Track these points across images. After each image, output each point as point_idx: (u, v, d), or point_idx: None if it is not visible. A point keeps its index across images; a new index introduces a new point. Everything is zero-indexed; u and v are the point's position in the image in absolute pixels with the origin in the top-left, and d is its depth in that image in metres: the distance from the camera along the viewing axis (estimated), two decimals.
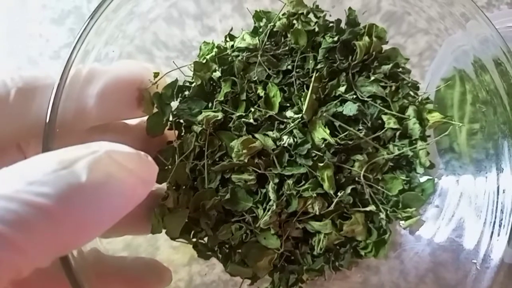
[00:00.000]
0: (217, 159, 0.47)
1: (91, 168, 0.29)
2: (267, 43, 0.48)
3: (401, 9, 0.51)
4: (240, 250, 0.47)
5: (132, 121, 0.48)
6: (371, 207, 0.47)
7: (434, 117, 0.48)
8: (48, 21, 0.70)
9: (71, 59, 0.38)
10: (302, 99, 0.47)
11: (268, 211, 0.45)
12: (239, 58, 0.47)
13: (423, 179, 0.50)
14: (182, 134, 0.48)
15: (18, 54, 0.69)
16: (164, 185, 0.47)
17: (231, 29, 0.50)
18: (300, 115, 0.46)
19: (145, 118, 0.46)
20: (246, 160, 0.45)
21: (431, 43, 0.70)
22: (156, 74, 0.45)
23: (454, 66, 0.62)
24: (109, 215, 0.31)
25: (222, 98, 0.47)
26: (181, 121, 0.48)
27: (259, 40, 0.48)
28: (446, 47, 0.58)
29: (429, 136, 0.49)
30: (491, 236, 0.43)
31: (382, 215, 0.47)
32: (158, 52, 0.53)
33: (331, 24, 0.49)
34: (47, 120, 0.35)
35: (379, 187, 0.48)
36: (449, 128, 0.50)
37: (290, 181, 0.46)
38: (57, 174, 0.28)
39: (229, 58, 0.48)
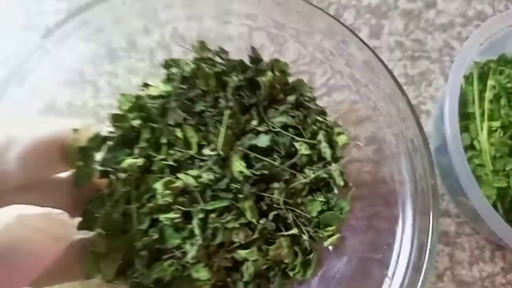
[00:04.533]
0: (144, 202, 0.50)
1: (0, 233, 0.32)
2: (181, 88, 0.52)
3: None
4: (174, 285, 0.50)
5: (63, 174, 0.51)
6: (294, 230, 0.50)
7: (342, 139, 0.51)
8: (64, 12, 0.71)
9: None
10: (217, 136, 0.50)
11: (195, 245, 0.48)
12: (155, 105, 0.51)
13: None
14: (111, 181, 0.52)
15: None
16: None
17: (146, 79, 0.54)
18: (216, 152, 0.50)
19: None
20: (170, 200, 0.48)
21: (449, 41, 0.74)
22: (76, 130, 0.49)
23: (475, 61, 0.65)
24: (23, 273, 0.34)
25: (143, 144, 0.51)
26: (108, 169, 0.51)
27: (173, 87, 0.52)
28: (469, 43, 0.61)
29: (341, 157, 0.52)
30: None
31: (305, 237, 0.50)
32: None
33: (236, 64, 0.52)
34: None
35: (299, 211, 0.51)
36: None
37: (213, 215, 0.49)
38: None
39: (147, 105, 0.52)
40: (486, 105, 0.63)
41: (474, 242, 0.68)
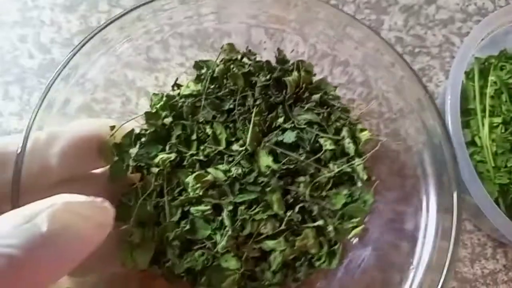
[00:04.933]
0: (176, 195, 0.53)
1: (50, 220, 0.34)
2: (210, 87, 0.55)
3: None
4: (205, 274, 0.52)
5: (98, 170, 0.54)
6: (319, 222, 0.52)
7: (365, 135, 0.53)
8: (60, 8, 0.73)
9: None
10: (245, 133, 0.53)
11: (225, 236, 0.50)
12: (186, 103, 0.54)
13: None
14: (144, 176, 0.55)
15: (29, 41, 0.71)
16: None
17: (177, 79, 0.57)
18: (244, 147, 0.52)
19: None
20: (201, 193, 0.51)
21: (450, 37, 0.75)
22: (112, 128, 0.52)
23: (476, 57, 0.66)
24: (70, 258, 0.36)
25: (175, 140, 0.53)
26: (142, 164, 0.54)
27: (202, 86, 0.54)
28: (470, 39, 0.62)
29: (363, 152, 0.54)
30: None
31: (330, 228, 0.53)
32: (173, 41, 0.59)
33: (264, 64, 0.55)
34: (12, 181, 0.41)
35: (324, 203, 0.53)
36: None
37: (242, 207, 0.51)
38: (21, 228, 0.34)
39: (178, 104, 0.55)
40: (487, 101, 0.63)
41: (476, 239, 0.68)
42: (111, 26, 0.51)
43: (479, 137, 0.62)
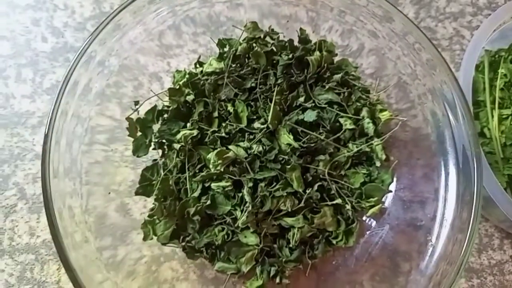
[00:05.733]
0: (197, 171, 0.54)
1: None
2: (232, 66, 0.55)
3: None
4: (224, 249, 0.53)
5: None
6: (338, 200, 0.53)
7: (384, 115, 0.54)
8: None
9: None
10: (266, 111, 0.53)
11: (245, 212, 0.51)
12: (208, 81, 0.54)
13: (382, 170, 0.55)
14: (166, 152, 0.55)
15: (42, 24, 0.71)
16: None
17: (199, 57, 0.57)
18: (265, 125, 0.53)
19: None
20: (222, 169, 0.52)
21: (460, 30, 0.75)
22: (136, 103, 0.52)
23: (486, 50, 0.66)
24: None
25: (197, 117, 0.54)
26: (163, 140, 0.55)
27: (224, 64, 0.55)
28: (480, 32, 0.62)
29: (382, 132, 0.55)
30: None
31: (348, 207, 0.53)
32: (186, 28, 0.59)
33: (286, 44, 0.56)
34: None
35: (343, 182, 0.54)
36: None
37: (262, 184, 0.52)
38: None
39: (200, 82, 0.55)
40: (497, 93, 0.64)
41: (483, 230, 0.68)
42: (125, 11, 0.52)
43: (488, 129, 0.62)
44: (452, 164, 0.49)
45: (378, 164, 0.55)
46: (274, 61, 0.55)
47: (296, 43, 0.56)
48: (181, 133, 0.53)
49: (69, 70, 0.49)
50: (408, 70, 0.54)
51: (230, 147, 0.53)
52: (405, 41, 0.52)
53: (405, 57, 0.53)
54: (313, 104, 0.54)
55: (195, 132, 0.53)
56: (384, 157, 0.54)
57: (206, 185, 0.53)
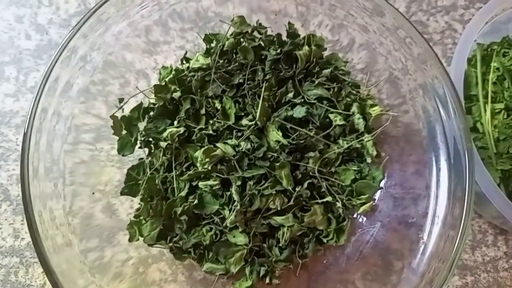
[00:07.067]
0: (184, 170, 0.52)
1: None
2: (219, 61, 0.54)
3: None
4: (212, 249, 0.52)
5: None
6: (328, 198, 0.52)
7: (375, 110, 0.53)
8: None
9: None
10: (255, 107, 0.52)
11: (234, 211, 0.50)
12: (195, 77, 0.53)
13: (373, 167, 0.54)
14: (152, 151, 0.54)
15: (26, 21, 0.70)
16: None
17: (186, 53, 0.56)
18: (254, 122, 0.52)
19: None
20: (210, 168, 0.50)
21: (452, 23, 0.73)
22: (121, 100, 0.51)
23: (478, 43, 0.65)
24: None
25: (184, 115, 0.53)
26: (150, 139, 0.54)
27: (211, 60, 0.54)
28: (472, 25, 0.60)
29: (373, 128, 0.54)
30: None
31: (339, 204, 0.52)
32: (173, 24, 0.58)
33: (274, 39, 0.54)
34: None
35: (333, 179, 0.53)
36: None
37: (251, 182, 0.51)
38: None
39: (187, 79, 0.54)
40: (490, 87, 0.63)
41: (477, 226, 0.67)
42: (108, 3, 0.50)
43: (481, 123, 0.61)
44: (443, 159, 0.48)
45: (369, 160, 0.54)
46: (262, 56, 0.54)
47: (284, 37, 0.55)
48: (168, 131, 0.52)
49: (49, 66, 0.48)
50: (399, 65, 0.52)
51: (217, 144, 0.51)
52: (396, 36, 0.51)
53: (396, 52, 0.52)
54: (302, 100, 0.53)
55: (182, 129, 0.52)
56: (375, 153, 0.53)
57: (194, 184, 0.52)
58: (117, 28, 0.54)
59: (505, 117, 0.62)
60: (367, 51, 0.57)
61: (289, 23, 0.54)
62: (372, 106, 0.54)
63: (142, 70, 0.59)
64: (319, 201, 0.52)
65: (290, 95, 0.53)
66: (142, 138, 0.53)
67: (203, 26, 0.59)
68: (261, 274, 0.52)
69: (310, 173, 0.52)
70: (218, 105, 0.53)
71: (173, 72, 0.54)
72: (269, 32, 0.55)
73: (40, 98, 0.47)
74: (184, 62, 0.56)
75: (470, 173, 0.44)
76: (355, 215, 0.54)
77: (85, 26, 0.50)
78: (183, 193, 0.52)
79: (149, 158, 0.53)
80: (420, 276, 0.47)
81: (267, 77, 0.53)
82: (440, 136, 0.49)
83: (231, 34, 0.54)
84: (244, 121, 0.52)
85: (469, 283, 0.63)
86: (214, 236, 0.51)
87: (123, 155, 0.52)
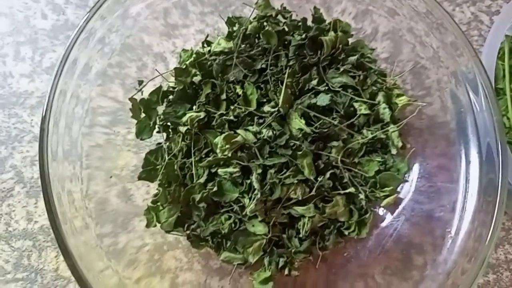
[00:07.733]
0: (203, 156, 0.51)
1: None
2: (241, 45, 0.52)
3: None
4: (230, 238, 0.50)
5: None
6: (351, 189, 0.50)
7: (402, 100, 0.51)
8: None
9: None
10: (277, 94, 0.51)
11: (253, 199, 0.48)
12: (217, 61, 0.51)
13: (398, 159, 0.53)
14: (170, 135, 0.53)
15: (42, 1, 0.68)
16: None
17: (207, 36, 0.54)
18: (276, 109, 0.50)
19: None
20: (230, 154, 0.49)
21: (478, 14, 0.72)
22: (140, 82, 0.49)
23: (507, 35, 0.62)
24: None
25: (204, 99, 0.51)
26: (168, 123, 0.52)
27: (233, 44, 0.52)
28: (501, 18, 0.60)
29: (399, 118, 0.52)
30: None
31: (362, 196, 0.51)
32: (192, 7, 0.57)
33: (299, 23, 0.53)
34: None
35: (356, 170, 0.52)
36: None
37: (272, 171, 0.49)
38: None
39: (208, 62, 0.52)
40: None
41: (501, 223, 0.66)
42: None
43: (508, 118, 0.60)
44: (474, 152, 0.46)
45: (393, 152, 0.52)
46: (286, 42, 0.53)
47: (309, 22, 0.53)
48: (187, 115, 0.50)
49: (68, 47, 0.46)
50: (428, 53, 0.50)
51: (238, 131, 0.50)
52: (428, 20, 0.49)
53: (426, 38, 0.50)
54: (326, 88, 0.51)
55: (202, 114, 0.50)
56: (400, 144, 0.51)
57: (213, 170, 0.50)
58: (136, 10, 0.53)
59: None
60: (391, 40, 0.55)
61: (314, 7, 0.52)
62: (398, 95, 0.52)
63: (160, 54, 0.57)
64: (341, 192, 0.50)
65: (314, 82, 0.51)
66: (161, 122, 0.52)
67: (224, 10, 0.57)
68: (280, 265, 0.51)
69: (333, 163, 0.51)
70: (239, 90, 0.51)
71: (194, 56, 0.53)
72: (293, 17, 0.53)
73: (59, 80, 0.45)
74: (205, 45, 0.54)
75: (504, 168, 0.43)
76: (377, 208, 0.53)
77: (103, 7, 0.49)
78: (201, 180, 0.50)
79: (167, 143, 0.52)
80: (446, 274, 0.45)
81: (291, 63, 0.52)
82: (471, 128, 0.47)
83: (254, 18, 0.53)
84: (266, 108, 0.51)
85: (491, 281, 0.62)
86: (233, 225, 0.50)
87: (141, 139, 0.51)
